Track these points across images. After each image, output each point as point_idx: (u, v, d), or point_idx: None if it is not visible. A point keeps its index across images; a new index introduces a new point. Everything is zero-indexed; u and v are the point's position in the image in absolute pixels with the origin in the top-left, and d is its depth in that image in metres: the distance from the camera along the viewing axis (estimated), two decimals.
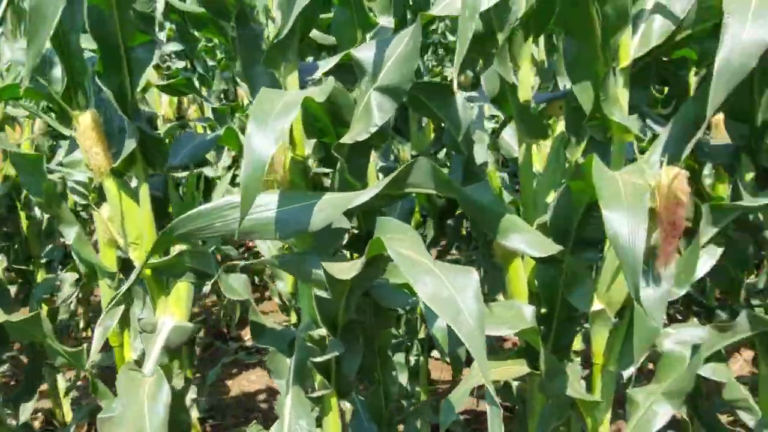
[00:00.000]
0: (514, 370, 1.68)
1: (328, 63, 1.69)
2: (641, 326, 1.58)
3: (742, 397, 1.86)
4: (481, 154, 2.04)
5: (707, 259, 1.74)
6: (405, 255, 1.21)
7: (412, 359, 2.68)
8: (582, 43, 1.48)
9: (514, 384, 2.34)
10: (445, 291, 1.16)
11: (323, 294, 1.54)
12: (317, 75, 1.67)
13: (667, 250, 1.47)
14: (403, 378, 2.07)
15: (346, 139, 1.50)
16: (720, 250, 1.74)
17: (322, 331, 1.68)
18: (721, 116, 1.98)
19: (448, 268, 1.22)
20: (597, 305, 1.65)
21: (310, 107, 1.59)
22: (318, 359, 1.68)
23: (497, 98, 1.77)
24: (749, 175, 1.93)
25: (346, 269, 1.37)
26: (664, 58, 1.81)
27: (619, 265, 1.51)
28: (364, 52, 1.50)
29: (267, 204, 1.48)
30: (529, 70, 1.77)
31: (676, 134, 1.57)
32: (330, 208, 1.45)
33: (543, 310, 1.87)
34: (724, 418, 2.82)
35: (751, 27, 1.29)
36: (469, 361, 1.81)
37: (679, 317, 3.41)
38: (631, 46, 1.56)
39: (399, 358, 2.07)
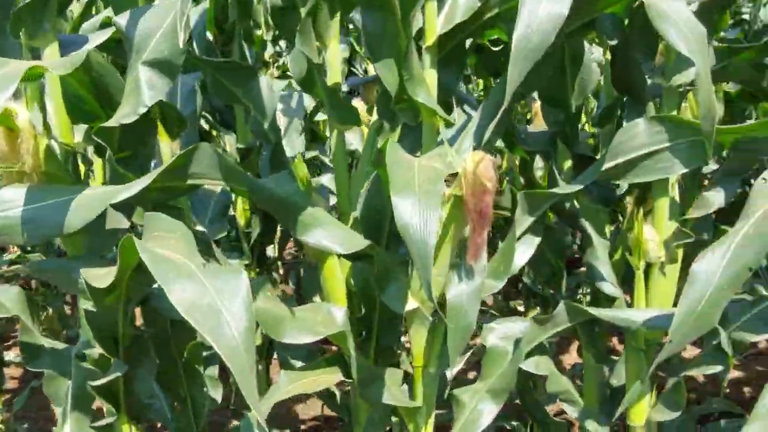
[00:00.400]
0: (324, 379, 1.53)
1: (100, 35, 1.44)
2: (455, 323, 1.47)
3: (564, 389, 1.83)
4: (296, 142, 1.87)
5: (525, 249, 1.68)
6: (160, 256, 1.01)
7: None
8: (381, 17, 1.36)
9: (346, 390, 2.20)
10: (206, 298, 0.97)
11: (89, 306, 1.30)
12: (86, 49, 1.42)
13: (476, 241, 1.37)
14: (216, 393, 1.85)
15: (112, 122, 1.27)
16: (538, 240, 1.69)
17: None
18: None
19: (216, 271, 1.03)
20: (412, 303, 1.53)
21: (72, 86, 1.35)
22: (97, 382, 1.44)
23: (305, 81, 1.60)
24: (567, 163, 1.91)
25: (103, 275, 1.15)
26: (476, 40, 1.73)
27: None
28: (127, 19, 1.28)
29: (12, 200, 1.22)
30: (339, 50, 1.63)
31: (486, 119, 1.48)
32: (93, 204, 1.22)
33: (362, 311, 1.75)
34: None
35: (547, 2, 1.23)
36: None
37: (521, 309, 3.45)
38: (436, 23, 1.45)
39: (212, 371, 1.86)
